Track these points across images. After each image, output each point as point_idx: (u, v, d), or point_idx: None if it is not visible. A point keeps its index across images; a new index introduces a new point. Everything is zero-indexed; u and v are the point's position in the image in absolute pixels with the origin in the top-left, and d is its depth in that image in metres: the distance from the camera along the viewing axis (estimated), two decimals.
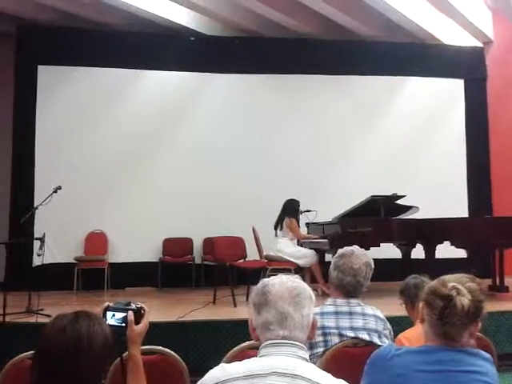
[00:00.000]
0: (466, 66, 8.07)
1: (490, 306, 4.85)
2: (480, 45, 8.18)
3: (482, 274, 6.29)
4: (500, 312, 4.64)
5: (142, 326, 1.63)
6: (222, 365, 1.38)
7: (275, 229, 6.18)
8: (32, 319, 4.31)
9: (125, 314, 1.60)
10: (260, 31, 7.60)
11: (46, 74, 7.08)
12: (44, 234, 4.93)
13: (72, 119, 7.08)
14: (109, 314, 1.60)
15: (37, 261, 5.47)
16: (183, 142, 7.36)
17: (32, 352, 1.39)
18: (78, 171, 6.95)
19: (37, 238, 5.00)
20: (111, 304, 1.63)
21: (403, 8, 7.16)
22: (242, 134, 7.42)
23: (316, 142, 7.56)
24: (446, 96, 8.02)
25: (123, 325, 1.59)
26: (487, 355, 1.56)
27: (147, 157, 7.27)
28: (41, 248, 4.74)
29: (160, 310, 5.02)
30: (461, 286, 1.51)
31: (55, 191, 5.18)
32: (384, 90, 7.83)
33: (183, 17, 7.28)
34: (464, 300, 1.48)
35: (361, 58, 7.62)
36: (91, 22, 7.11)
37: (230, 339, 4.03)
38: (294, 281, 1.45)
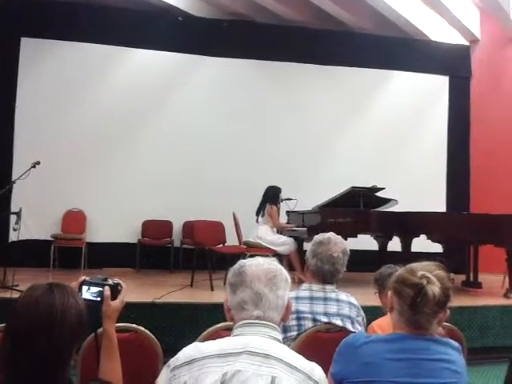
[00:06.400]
0: (452, 63, 8.13)
1: (463, 302, 4.89)
2: (466, 43, 8.26)
3: (457, 269, 6.46)
4: (473, 307, 4.73)
5: (118, 302, 1.60)
6: (195, 343, 1.39)
7: (257, 215, 6.20)
8: (6, 294, 4.26)
9: (101, 289, 1.58)
10: (250, 15, 7.53)
11: (28, 47, 6.92)
12: (20, 209, 4.85)
13: (54, 94, 6.94)
14: (84, 287, 1.57)
15: (13, 236, 5.39)
16: (167, 123, 7.28)
17: (3, 324, 1.36)
18: (59, 147, 6.82)
19: (13, 213, 4.92)
20: (88, 278, 1.59)
21: (393, 2, 7.18)
22: (227, 119, 7.36)
23: (301, 131, 7.55)
24: (430, 92, 8.09)
25: (98, 299, 1.57)
26: (456, 344, 1.59)
27: (130, 136, 7.18)
28: (17, 223, 4.67)
29: (136, 290, 4.98)
30: (430, 275, 1.50)
31: (33, 166, 5.08)
32: (370, 82, 7.86)
33: None
34: (435, 289, 1.48)
35: (349, 49, 7.61)
36: None
37: (205, 322, 4.00)
38: (270, 263, 1.46)
